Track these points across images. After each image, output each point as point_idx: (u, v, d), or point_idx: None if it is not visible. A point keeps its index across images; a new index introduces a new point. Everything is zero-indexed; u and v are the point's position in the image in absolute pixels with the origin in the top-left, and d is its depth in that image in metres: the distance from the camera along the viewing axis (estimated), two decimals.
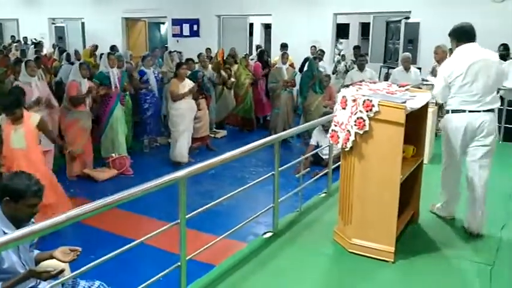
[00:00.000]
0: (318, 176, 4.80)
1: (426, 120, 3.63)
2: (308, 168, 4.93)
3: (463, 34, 3.48)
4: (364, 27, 15.12)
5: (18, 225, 2.40)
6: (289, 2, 11.66)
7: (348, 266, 3.13)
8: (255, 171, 6.58)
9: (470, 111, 3.38)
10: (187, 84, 7.00)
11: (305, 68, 9.24)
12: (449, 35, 3.56)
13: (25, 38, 14.62)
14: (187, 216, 2.68)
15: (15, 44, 12.60)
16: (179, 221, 2.57)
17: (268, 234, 3.56)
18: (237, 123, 9.73)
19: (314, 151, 6.03)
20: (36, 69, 5.82)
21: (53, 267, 2.38)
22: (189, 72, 7.94)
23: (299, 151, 7.10)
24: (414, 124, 3.52)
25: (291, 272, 3.07)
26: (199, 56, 9.28)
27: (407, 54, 7.84)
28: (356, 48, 10.95)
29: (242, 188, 3.35)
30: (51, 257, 2.55)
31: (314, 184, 4.96)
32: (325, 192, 4.48)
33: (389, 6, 10.35)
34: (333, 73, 10.49)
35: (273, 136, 3.52)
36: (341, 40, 16.47)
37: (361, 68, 7.99)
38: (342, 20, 13.22)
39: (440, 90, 3.51)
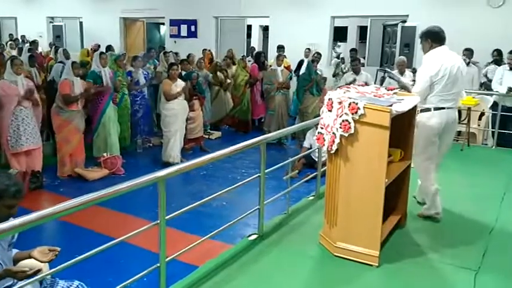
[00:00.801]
0: (308, 178, 4.78)
1: (414, 123, 3.60)
2: (296, 171, 4.91)
3: (438, 37, 3.73)
4: (362, 31, 15.12)
5: None
6: (286, 5, 11.66)
7: (332, 270, 3.11)
8: (247, 173, 6.56)
9: (448, 108, 3.70)
10: (180, 85, 6.99)
11: (302, 71, 9.24)
12: (422, 36, 3.79)
13: (23, 37, 14.58)
14: (169, 217, 2.65)
15: (10, 42, 12.55)
16: (159, 221, 2.54)
17: (254, 237, 3.53)
18: (234, 124, 9.72)
19: (306, 153, 6.01)
20: (22, 67, 5.77)
21: (29, 267, 2.36)
22: (184, 72, 7.94)
23: (294, 153, 7.08)
24: (402, 127, 3.52)
25: (274, 275, 3.04)
26: (188, 56, 9.25)
27: (403, 57, 7.85)
28: (352, 51, 10.93)
29: (227, 189, 3.32)
30: (30, 257, 2.53)
31: (306, 186, 4.95)
32: (314, 195, 4.46)
33: (387, 10, 10.36)
34: (333, 76, 10.49)
35: (259, 137, 3.50)
36: (339, 43, 16.49)
37: (356, 71, 7.97)
38: (340, 23, 13.22)
39: (425, 89, 3.67)
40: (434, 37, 3.72)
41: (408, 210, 3.79)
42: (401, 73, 7.69)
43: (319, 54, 9.03)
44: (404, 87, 3.80)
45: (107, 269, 3.72)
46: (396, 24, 10.02)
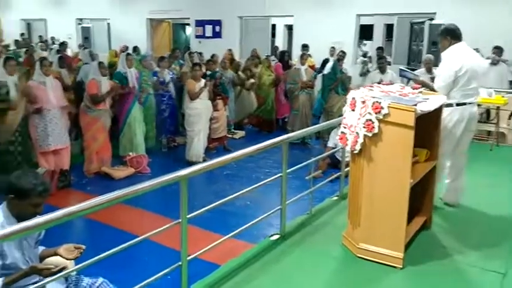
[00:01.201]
0: (331, 178, 4.74)
1: (440, 123, 3.53)
2: (320, 171, 4.87)
3: (456, 34, 3.80)
4: (389, 29, 14.90)
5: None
6: (311, 3, 11.59)
7: (355, 271, 3.07)
8: (270, 172, 6.53)
9: (469, 103, 3.76)
10: (204, 84, 7.04)
11: (326, 70, 9.16)
12: (442, 34, 3.83)
13: (52, 38, 14.94)
14: (191, 215, 2.67)
15: (40, 44, 12.88)
16: (180, 219, 2.56)
17: (276, 237, 3.52)
18: (258, 124, 9.72)
19: (330, 152, 5.95)
20: (50, 68, 5.92)
21: (54, 264, 2.42)
22: (209, 72, 7.99)
23: (318, 153, 7.03)
24: (427, 127, 3.45)
25: (295, 275, 3.02)
26: (212, 56, 9.30)
27: (429, 56, 7.69)
28: (379, 49, 10.79)
29: (250, 188, 3.32)
30: (56, 254, 2.59)
31: (330, 187, 4.92)
32: (338, 196, 4.42)
33: (414, 8, 10.17)
34: (360, 75, 10.37)
35: (281, 137, 3.48)
36: (365, 41, 16.29)
37: (382, 70, 7.86)
38: (366, 21, 13.07)
39: (448, 84, 3.69)
40: (453, 34, 3.78)
41: (434, 211, 3.71)
42: (429, 71, 7.52)
43: (343, 52, 8.95)
44: (425, 85, 3.77)
45: (130, 266, 3.77)
46: (423, 22, 9.84)
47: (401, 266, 3.03)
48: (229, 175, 6.64)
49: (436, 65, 8.13)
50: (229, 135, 8.58)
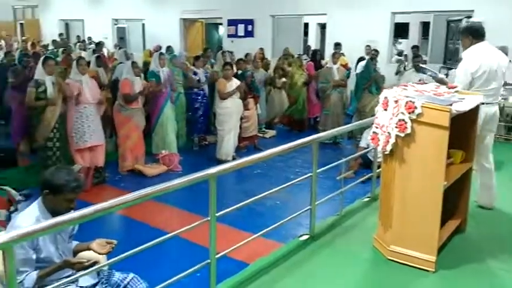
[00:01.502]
0: (363, 179, 4.67)
1: (476, 124, 3.42)
2: (352, 171, 4.80)
3: (479, 33, 3.75)
4: (425, 27, 14.56)
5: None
6: (345, 1, 11.45)
7: (385, 274, 3.02)
8: (300, 172, 6.49)
9: (487, 104, 3.67)
10: (235, 84, 7.07)
11: (358, 69, 9.04)
12: (464, 33, 3.80)
13: (89, 38, 15.33)
14: (220, 213, 2.68)
15: (79, 44, 13.24)
16: (209, 217, 2.58)
17: (305, 237, 3.50)
18: (289, 123, 9.69)
19: (362, 152, 5.87)
20: (86, 67, 6.07)
21: (87, 259, 2.48)
22: (240, 71, 8.01)
23: (350, 153, 6.93)
24: (463, 128, 3.35)
25: (324, 276, 3.00)
26: (246, 56, 9.32)
27: None
28: (414, 48, 10.56)
29: (279, 188, 3.31)
30: (89, 249, 2.65)
31: (362, 188, 4.85)
32: (369, 197, 4.35)
33: (451, 5, 9.90)
34: (396, 74, 10.18)
35: (312, 136, 3.45)
36: (400, 40, 15.98)
37: (417, 69, 7.69)
38: (401, 19, 12.81)
39: (465, 85, 3.64)
40: (476, 33, 3.73)
41: (469, 214, 3.60)
42: None
43: (376, 51, 8.81)
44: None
45: (160, 262, 3.82)
46: (461, 20, 9.56)
47: (433, 270, 2.96)
48: (259, 174, 6.63)
49: None
50: (260, 135, 8.57)
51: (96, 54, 8.32)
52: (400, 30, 13.94)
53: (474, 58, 3.67)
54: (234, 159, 6.89)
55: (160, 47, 12.07)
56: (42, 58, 5.97)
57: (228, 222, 4.60)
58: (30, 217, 2.42)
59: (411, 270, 3.00)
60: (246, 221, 4.65)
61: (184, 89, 7.79)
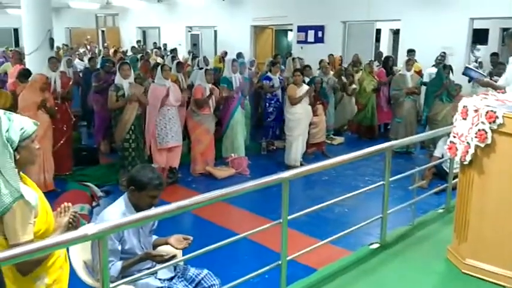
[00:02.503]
0: (437, 189, 4.54)
1: None
2: (425, 181, 4.67)
3: None
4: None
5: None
6: (420, 6, 11.12)
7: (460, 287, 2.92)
8: (370, 181, 6.40)
9: None
10: (305, 89, 7.12)
11: (426, 77, 8.78)
12: (510, 37, 3.89)
13: (165, 45, 16.04)
14: (291, 217, 2.74)
15: (155, 50, 13.91)
16: (281, 220, 2.64)
17: (375, 245, 3.46)
18: (357, 130, 9.56)
19: (436, 162, 5.68)
20: (170, 73, 6.41)
21: (166, 252, 2.63)
22: (308, 78, 8.05)
23: (423, 163, 6.73)
24: None
25: (395, 286, 2.96)
26: (320, 62, 9.33)
27: None
28: (493, 55, 10.03)
29: (348, 195, 3.31)
30: (167, 243, 2.82)
31: (436, 199, 4.71)
32: (444, 208, 4.21)
33: None
34: (469, 81, 9.75)
35: (384, 144, 3.42)
36: (478, 46, 15.24)
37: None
38: (480, 25, 12.22)
39: None
40: None
41: None
42: None
43: (442, 56, 8.55)
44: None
45: (232, 262, 3.94)
46: None
47: (511, 286, 2.82)
48: (327, 181, 6.61)
49: None
50: (328, 141, 8.54)
51: (177, 61, 8.73)
52: (479, 36, 13.28)
53: None
54: (301, 165, 6.93)
55: (226, 53, 12.42)
56: (118, 64, 6.38)
57: (297, 227, 4.63)
58: (117, 211, 2.62)
59: (487, 285, 2.88)
60: (315, 227, 4.67)
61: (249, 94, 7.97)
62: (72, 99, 7.07)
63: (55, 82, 6.31)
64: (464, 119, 2.99)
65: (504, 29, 13.76)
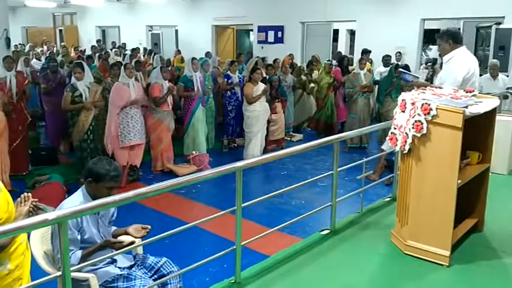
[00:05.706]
0: (383, 179, 4.84)
1: (494, 126, 3.53)
2: (372, 172, 4.96)
3: (458, 37, 3.86)
4: None
5: None
6: (374, 8, 11.56)
7: (401, 267, 3.17)
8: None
9: None
10: (261, 87, 7.32)
11: (377, 75, 9.18)
12: (443, 37, 3.85)
13: (124, 44, 15.89)
14: (245, 204, 2.90)
15: (115, 50, 13.78)
16: (235, 207, 2.81)
17: (325, 231, 3.69)
18: (316, 127, 9.84)
19: (382, 154, 5.99)
20: (133, 71, 6.46)
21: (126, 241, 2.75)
22: (268, 76, 8.26)
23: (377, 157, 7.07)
24: (481, 130, 3.48)
25: (343, 266, 3.18)
26: (274, 61, 9.56)
27: (495, 61, 7.51)
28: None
29: (300, 184, 3.53)
30: (126, 233, 2.94)
31: (387, 190, 5.00)
32: (390, 197, 4.49)
33: (481, 12, 9.90)
34: (427, 80, 10.21)
35: (332, 136, 3.65)
36: (430, 46, 15.92)
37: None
38: (431, 25, 12.81)
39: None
40: (455, 38, 3.82)
41: (487, 214, 3.70)
42: (494, 77, 7.37)
43: (388, 56, 8.99)
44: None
45: (190, 252, 4.09)
46: (490, 27, 9.53)
47: (447, 264, 3.09)
48: (286, 176, 6.84)
49: (503, 71, 7.93)
50: (287, 138, 8.78)
51: (135, 59, 8.73)
52: (431, 37, 13.89)
53: (463, 62, 3.81)
54: None
55: (179, 51, 12.51)
56: (72, 65, 6.38)
57: (254, 219, 4.84)
58: (75, 202, 2.71)
59: (426, 264, 3.14)
60: (272, 218, 4.87)
61: (213, 93, 8.10)
62: (29, 98, 6.99)
63: (10, 81, 6.25)
64: (403, 111, 3.24)
65: None
